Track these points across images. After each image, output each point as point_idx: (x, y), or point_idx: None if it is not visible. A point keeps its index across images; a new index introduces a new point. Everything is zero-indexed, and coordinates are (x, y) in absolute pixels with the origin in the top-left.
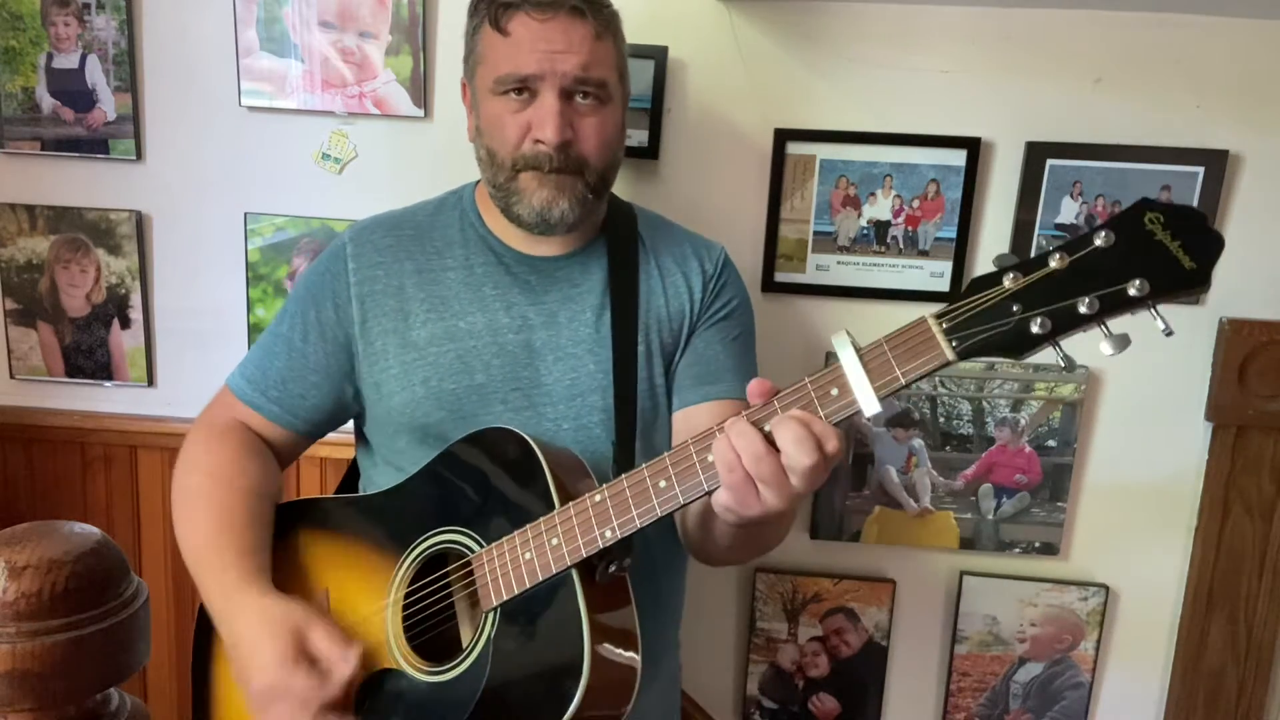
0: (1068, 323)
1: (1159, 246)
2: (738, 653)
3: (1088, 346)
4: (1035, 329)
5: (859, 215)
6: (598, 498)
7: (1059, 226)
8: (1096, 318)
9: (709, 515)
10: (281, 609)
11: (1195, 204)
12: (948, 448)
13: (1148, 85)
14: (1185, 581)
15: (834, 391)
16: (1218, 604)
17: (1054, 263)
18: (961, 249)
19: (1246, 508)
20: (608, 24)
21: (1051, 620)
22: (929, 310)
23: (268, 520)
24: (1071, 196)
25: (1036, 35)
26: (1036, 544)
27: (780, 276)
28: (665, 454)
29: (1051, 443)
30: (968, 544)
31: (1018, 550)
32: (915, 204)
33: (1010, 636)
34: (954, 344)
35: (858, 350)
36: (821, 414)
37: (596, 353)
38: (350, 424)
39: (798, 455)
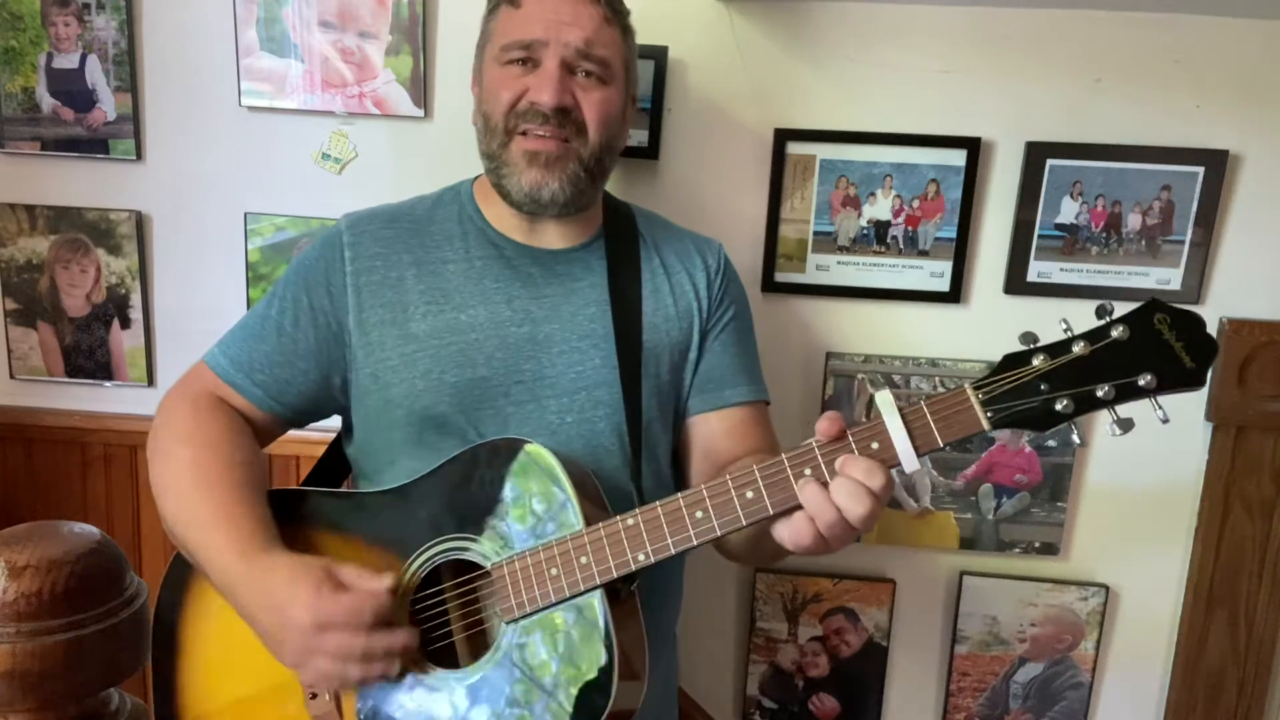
0: (1086, 405)
1: (1165, 345)
2: (738, 653)
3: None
4: (1059, 408)
5: (859, 215)
6: (630, 521)
7: (1059, 226)
8: (1110, 403)
9: (764, 539)
10: (307, 558)
11: (1195, 204)
12: (948, 448)
13: (1148, 85)
14: (1185, 581)
15: (875, 445)
16: (1218, 604)
17: (1077, 349)
18: (961, 249)
19: (1246, 508)
20: (618, 16)
21: (1051, 620)
22: (926, 311)
23: (265, 498)
24: (1071, 196)
25: (1036, 35)
26: (1036, 544)
27: (780, 276)
28: (702, 486)
29: (1051, 443)
30: (968, 544)
31: (1018, 550)
32: (915, 204)
33: (1010, 636)
34: (990, 415)
35: (901, 410)
36: None
37: (601, 347)
38: (337, 419)
39: (854, 508)
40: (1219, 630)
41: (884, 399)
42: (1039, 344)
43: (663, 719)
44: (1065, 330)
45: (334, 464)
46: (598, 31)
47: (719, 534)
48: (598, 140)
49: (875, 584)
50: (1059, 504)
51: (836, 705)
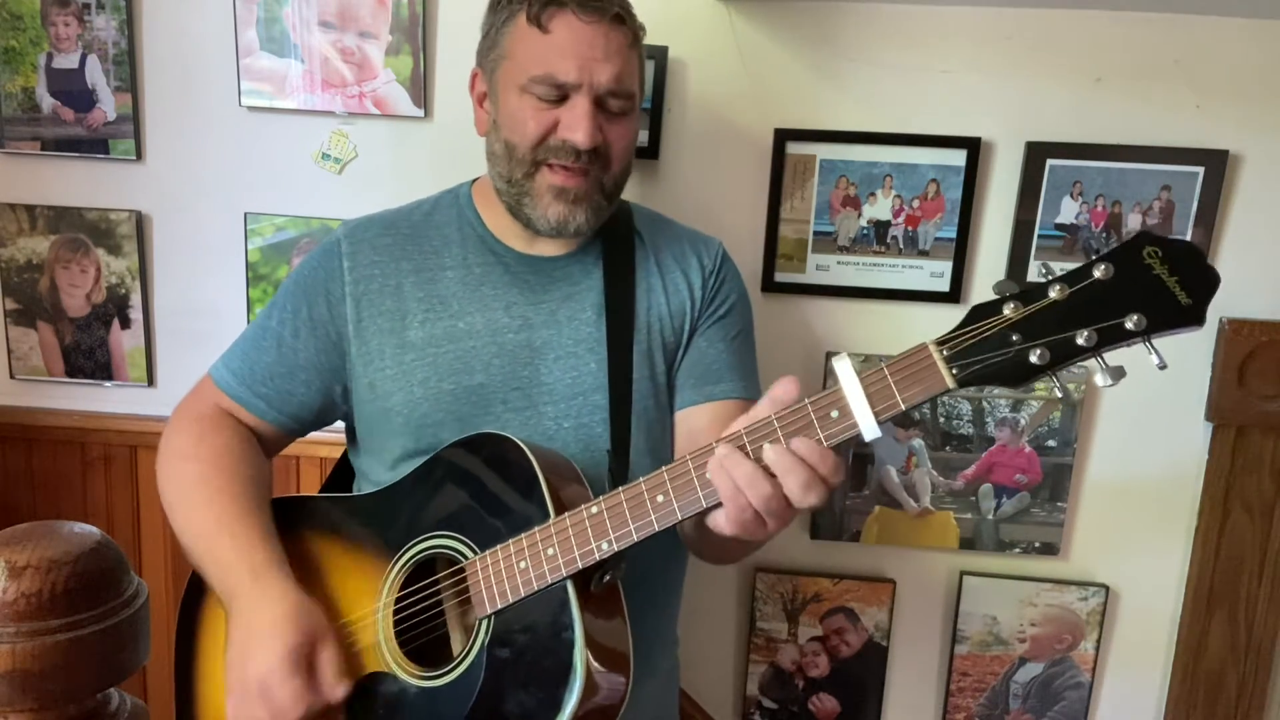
0: (1066, 354)
1: (1156, 281)
2: (738, 653)
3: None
4: (1034, 359)
5: (859, 215)
6: (594, 509)
7: (1059, 226)
8: (1094, 350)
9: (705, 527)
10: (306, 610)
11: (1195, 204)
12: (948, 448)
13: (1148, 85)
14: (1185, 581)
15: (834, 414)
16: (1218, 604)
17: (1054, 293)
18: (961, 249)
19: (1246, 508)
20: (637, 36)
21: (1051, 620)
22: (926, 310)
23: (267, 509)
24: (1071, 196)
25: (1036, 35)
26: (1036, 544)
27: (780, 276)
28: (663, 469)
29: (1051, 443)
30: (968, 544)
31: (1018, 550)
32: (915, 204)
33: (1010, 636)
34: (954, 371)
35: (859, 374)
36: (821, 435)
37: (598, 351)
38: (342, 423)
39: (805, 498)
40: (1219, 630)
41: (842, 363)
42: (1011, 292)
43: (664, 719)
44: (1043, 275)
45: (347, 470)
46: (625, 62)
47: (680, 518)
48: (617, 171)
49: (875, 584)
50: (1059, 504)
51: (836, 705)
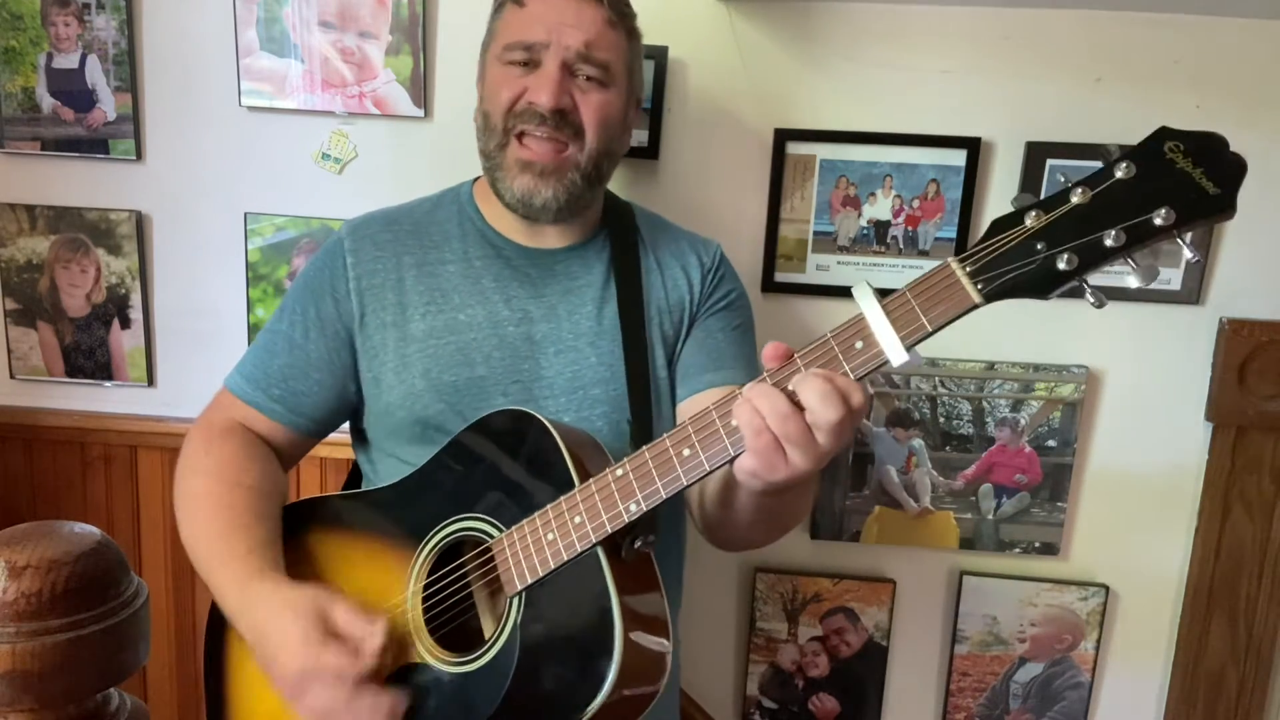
0: (1094, 257)
1: (1181, 174)
2: (738, 653)
3: (1088, 348)
4: (1062, 265)
5: (859, 215)
6: (619, 472)
7: None
8: (1123, 250)
9: (731, 488)
10: (301, 593)
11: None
12: (948, 448)
13: (1148, 85)
14: (1185, 581)
15: (858, 344)
16: (1218, 604)
17: (1076, 198)
18: (962, 249)
19: (1246, 508)
20: (623, 18)
21: (1051, 620)
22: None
23: (276, 518)
24: None
25: (1036, 35)
26: (1036, 544)
27: (780, 276)
28: (687, 421)
29: (1051, 443)
30: (968, 544)
31: (1018, 550)
32: (915, 204)
33: (1010, 636)
34: (979, 286)
35: (881, 300)
36: (847, 368)
37: (598, 345)
38: (346, 424)
39: (824, 411)
40: (1219, 630)
41: (862, 291)
42: (1030, 203)
43: (664, 718)
44: (1064, 183)
45: (360, 476)
46: (600, 34)
47: (708, 469)
48: (595, 145)
49: (875, 584)
50: (1059, 504)
51: (836, 705)
